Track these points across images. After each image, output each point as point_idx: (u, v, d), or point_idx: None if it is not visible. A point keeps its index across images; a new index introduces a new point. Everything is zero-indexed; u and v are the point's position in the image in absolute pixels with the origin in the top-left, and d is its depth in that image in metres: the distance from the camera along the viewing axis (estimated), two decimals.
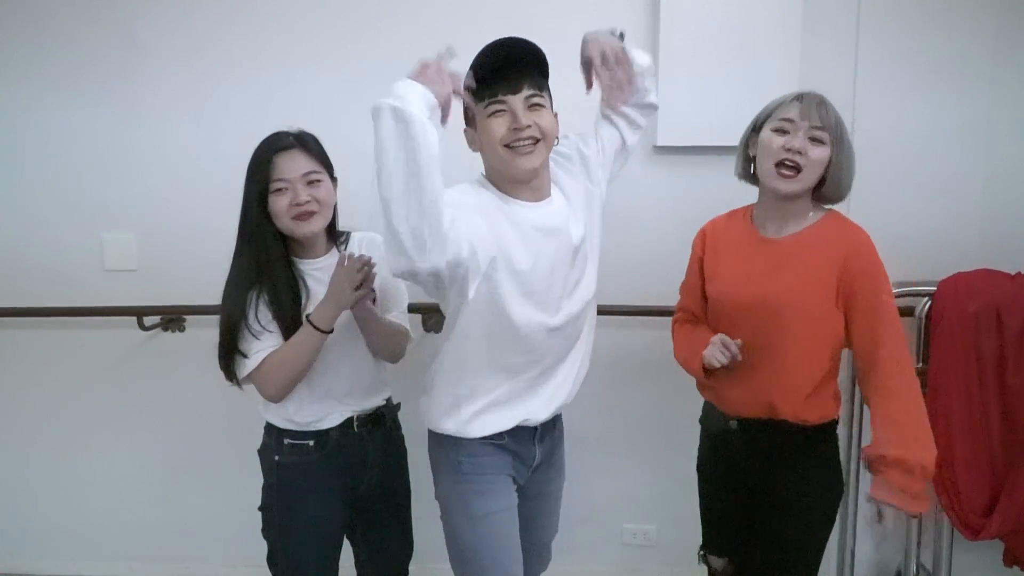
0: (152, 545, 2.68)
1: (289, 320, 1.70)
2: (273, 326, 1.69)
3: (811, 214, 1.69)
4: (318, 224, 1.72)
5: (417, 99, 1.34)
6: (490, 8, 2.30)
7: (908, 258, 2.28)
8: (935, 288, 2.17)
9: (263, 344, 1.68)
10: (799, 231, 1.67)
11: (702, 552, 1.96)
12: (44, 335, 2.57)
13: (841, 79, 2.29)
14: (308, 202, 1.68)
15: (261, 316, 1.69)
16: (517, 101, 1.49)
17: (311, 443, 1.77)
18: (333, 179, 1.78)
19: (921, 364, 2.22)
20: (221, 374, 1.74)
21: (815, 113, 1.59)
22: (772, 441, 1.69)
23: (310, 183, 1.70)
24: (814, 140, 1.60)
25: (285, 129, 1.73)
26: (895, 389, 1.59)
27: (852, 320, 1.62)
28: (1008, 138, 2.28)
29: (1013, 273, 2.17)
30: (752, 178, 1.73)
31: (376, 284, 1.73)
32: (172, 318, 2.48)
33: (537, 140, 1.51)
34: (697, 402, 1.88)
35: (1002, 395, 2.14)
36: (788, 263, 1.65)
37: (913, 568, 2.34)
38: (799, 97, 1.63)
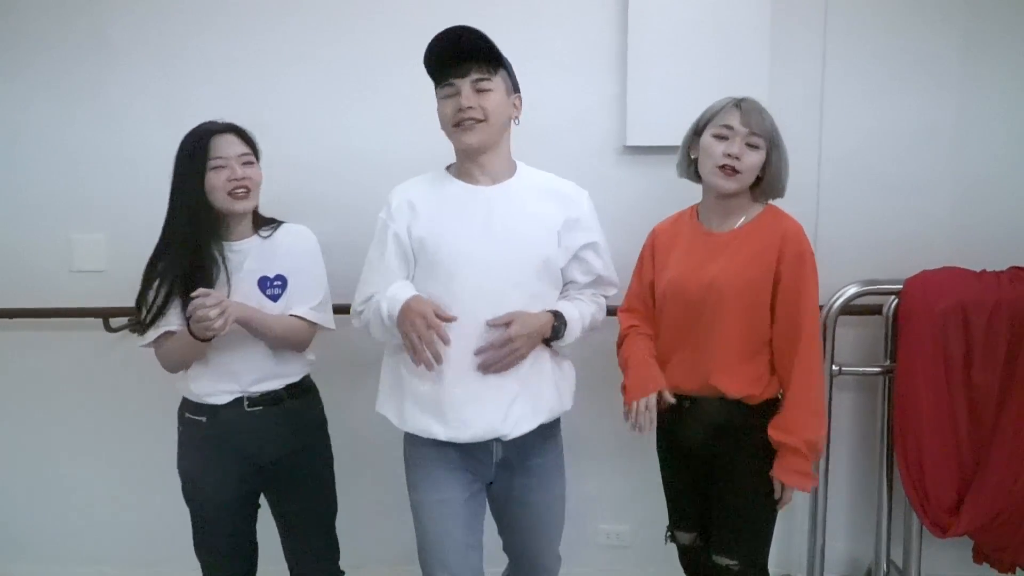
0: (122, 548, 2.65)
1: (186, 292, 1.74)
2: (176, 303, 1.78)
3: (751, 209, 1.83)
4: (251, 202, 1.85)
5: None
6: (464, 10, 2.30)
7: (876, 257, 2.30)
8: (902, 286, 2.18)
9: (162, 321, 1.80)
10: (739, 225, 1.82)
11: (669, 532, 2.02)
12: (11, 336, 2.54)
13: (810, 80, 2.31)
14: (244, 179, 1.81)
15: (167, 289, 1.79)
16: (465, 84, 1.64)
17: (204, 419, 1.87)
18: (259, 168, 1.90)
19: (889, 362, 2.24)
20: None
21: (753, 121, 1.74)
22: (717, 415, 1.80)
23: (245, 164, 1.83)
24: (750, 146, 1.75)
25: (216, 119, 1.87)
26: (805, 370, 1.74)
27: (777, 299, 1.75)
28: (976, 138, 2.31)
29: (979, 271, 2.19)
30: (694, 176, 1.89)
31: (289, 282, 1.88)
32: (139, 319, 2.44)
33: (480, 120, 1.64)
34: None
35: (969, 393, 2.16)
36: (728, 250, 1.79)
37: (884, 565, 2.35)
38: (738, 104, 1.77)
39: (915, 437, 2.15)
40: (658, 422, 1.84)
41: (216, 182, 1.79)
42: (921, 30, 2.28)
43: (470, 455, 1.72)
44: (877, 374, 2.28)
